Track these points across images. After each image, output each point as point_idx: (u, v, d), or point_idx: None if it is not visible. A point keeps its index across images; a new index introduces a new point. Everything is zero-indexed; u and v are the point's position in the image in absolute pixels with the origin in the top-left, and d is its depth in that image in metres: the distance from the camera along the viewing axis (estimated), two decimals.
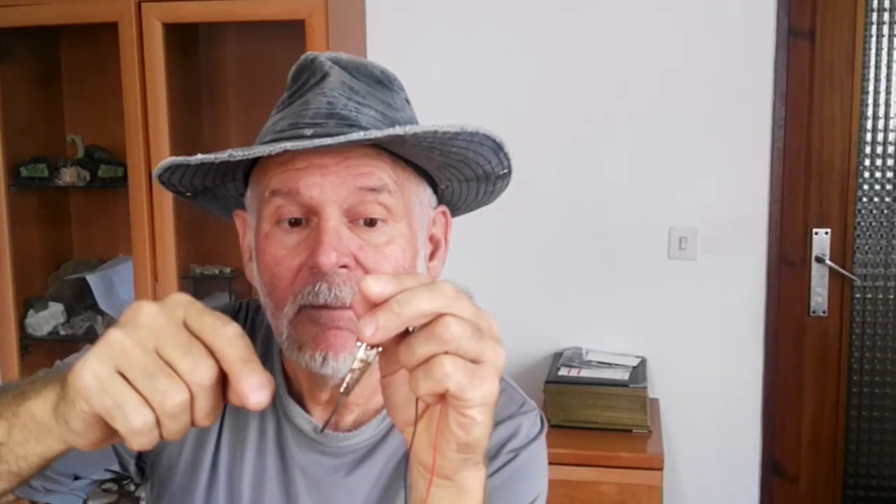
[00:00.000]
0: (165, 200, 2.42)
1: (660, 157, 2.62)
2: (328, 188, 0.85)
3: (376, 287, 0.62)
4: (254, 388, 0.61)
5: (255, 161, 0.92)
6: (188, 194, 1.00)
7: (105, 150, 2.70)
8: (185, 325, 0.62)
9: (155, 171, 0.92)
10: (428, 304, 0.62)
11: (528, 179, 2.62)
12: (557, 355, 2.63)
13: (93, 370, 0.61)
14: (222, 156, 0.82)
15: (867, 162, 2.59)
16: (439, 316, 0.62)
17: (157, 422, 0.61)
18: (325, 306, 0.84)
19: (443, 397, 0.64)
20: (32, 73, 2.71)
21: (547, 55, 2.64)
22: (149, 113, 2.40)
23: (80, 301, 2.73)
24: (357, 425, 0.98)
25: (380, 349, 0.65)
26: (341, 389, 0.67)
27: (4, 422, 0.71)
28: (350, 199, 0.85)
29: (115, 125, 2.50)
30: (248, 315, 1.06)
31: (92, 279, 2.64)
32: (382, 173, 0.87)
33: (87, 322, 2.69)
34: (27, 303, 2.67)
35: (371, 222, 0.87)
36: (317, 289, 0.84)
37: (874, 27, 2.54)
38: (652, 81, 2.60)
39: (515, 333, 2.72)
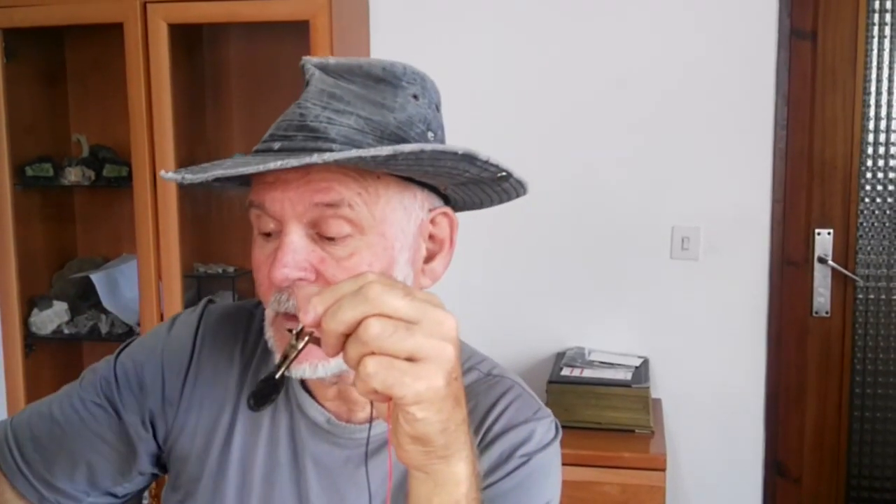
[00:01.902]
0: (170, 199, 2.43)
1: (662, 157, 2.62)
2: (287, 204, 0.86)
3: (307, 317, 0.67)
4: None
5: None
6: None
7: (110, 150, 2.71)
8: None
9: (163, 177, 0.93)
10: (351, 313, 0.66)
11: (530, 179, 2.62)
12: (560, 355, 2.63)
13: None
14: (177, 177, 0.83)
15: (869, 162, 2.60)
16: (364, 318, 0.66)
17: None
18: (292, 316, 0.87)
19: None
20: (37, 72, 2.73)
21: (550, 56, 2.65)
22: (153, 113, 2.40)
23: (85, 300, 2.74)
24: (370, 419, 0.99)
25: (307, 338, 0.72)
26: (276, 376, 0.72)
27: None
28: (308, 215, 0.86)
29: (120, 125, 2.51)
30: None
31: (96, 278, 2.65)
32: (342, 187, 0.86)
33: (91, 321, 2.70)
34: (31, 301, 2.68)
35: (333, 237, 0.87)
36: (280, 297, 0.88)
37: (876, 28, 2.55)
38: (654, 82, 2.61)
39: (518, 333, 2.73)
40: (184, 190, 2.49)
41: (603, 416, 2.36)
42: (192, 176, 0.82)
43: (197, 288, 2.73)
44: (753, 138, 2.59)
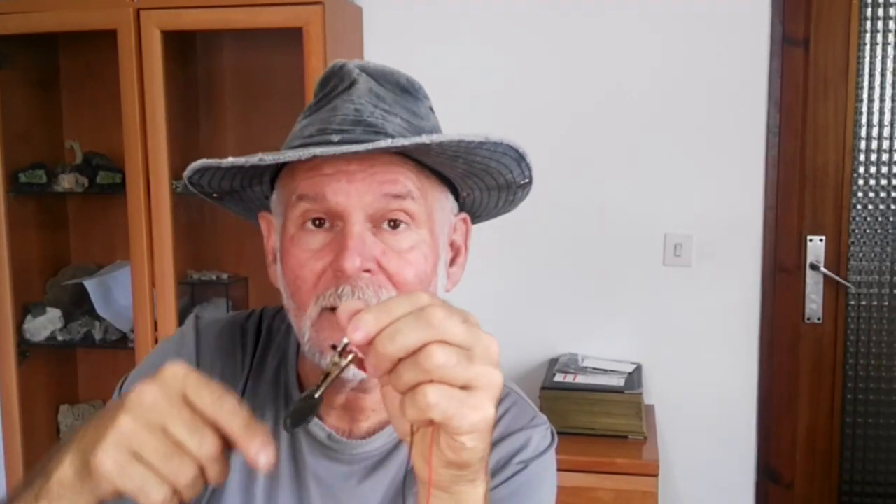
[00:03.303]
0: (163, 206, 2.43)
1: (655, 164, 2.63)
2: (354, 194, 0.86)
3: (357, 335, 0.64)
4: (259, 452, 0.66)
5: (282, 165, 0.94)
6: (215, 195, 1.02)
7: (103, 157, 2.71)
8: (185, 399, 0.66)
9: (186, 173, 0.93)
10: (414, 338, 0.63)
11: None
12: (553, 361, 2.64)
13: (111, 457, 0.66)
14: (253, 159, 0.84)
15: (861, 169, 2.61)
16: (425, 344, 0.63)
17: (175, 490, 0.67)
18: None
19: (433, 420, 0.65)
20: (31, 79, 2.73)
21: (542, 62, 2.66)
22: (147, 120, 2.41)
23: (78, 306, 2.74)
24: (371, 433, 0.99)
25: (352, 356, 0.67)
26: (316, 395, 0.69)
27: (43, 500, 0.73)
28: (375, 205, 0.87)
29: (114, 132, 2.52)
30: (261, 322, 1.07)
31: (90, 285, 2.65)
32: (407, 180, 0.89)
33: (84, 327, 2.69)
34: (25, 308, 2.69)
35: (394, 225, 0.89)
36: (339, 291, 0.86)
37: (868, 35, 2.56)
38: (647, 89, 2.61)
39: (511, 339, 2.72)
40: (178, 198, 2.49)
41: (596, 422, 2.36)
42: (269, 156, 0.85)
43: (191, 295, 2.74)
44: (745, 145, 2.59)
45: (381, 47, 2.70)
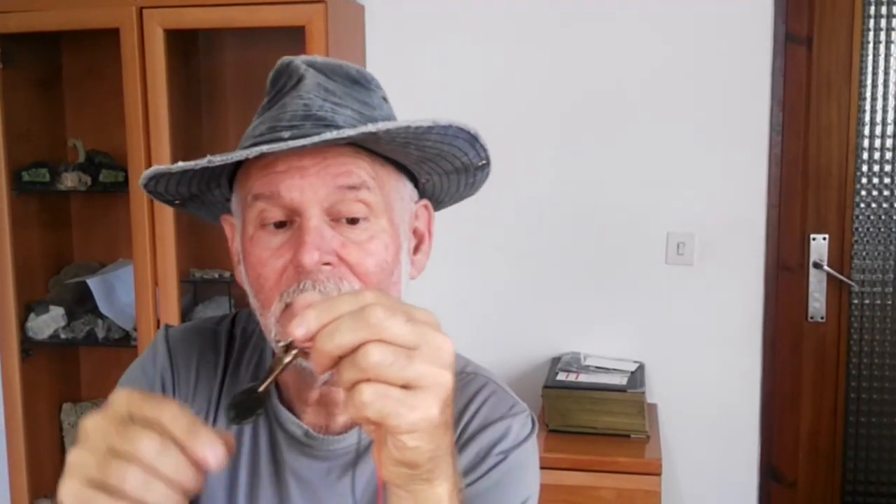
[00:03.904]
0: (166, 205, 2.43)
1: (657, 163, 2.62)
2: (308, 189, 0.87)
3: (299, 331, 0.64)
4: (205, 449, 0.63)
5: (238, 166, 0.94)
6: (177, 202, 1.02)
7: (106, 155, 2.71)
8: (132, 418, 0.64)
9: (140, 182, 0.93)
10: (350, 337, 0.63)
11: (525, 185, 2.63)
12: (556, 360, 2.64)
13: (69, 492, 0.63)
14: (202, 162, 0.84)
15: (864, 168, 2.60)
16: (364, 343, 0.63)
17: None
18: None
19: None
20: (34, 78, 2.73)
21: (543, 61, 2.65)
22: (150, 118, 2.41)
23: (81, 305, 2.74)
24: (348, 428, 0.99)
25: (296, 351, 0.68)
26: (260, 389, 0.69)
27: None
28: (330, 199, 0.87)
29: (116, 130, 2.52)
30: (234, 325, 1.08)
31: (92, 283, 2.66)
32: (360, 171, 0.89)
33: (87, 326, 2.70)
34: (28, 306, 2.69)
35: (353, 221, 0.89)
36: (301, 287, 0.86)
37: (871, 34, 2.55)
38: (649, 87, 2.61)
39: (513, 338, 2.73)
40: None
41: (598, 420, 2.36)
42: (217, 157, 0.83)
43: (193, 293, 2.74)
44: (748, 144, 2.59)
45: (383, 46, 2.70)
